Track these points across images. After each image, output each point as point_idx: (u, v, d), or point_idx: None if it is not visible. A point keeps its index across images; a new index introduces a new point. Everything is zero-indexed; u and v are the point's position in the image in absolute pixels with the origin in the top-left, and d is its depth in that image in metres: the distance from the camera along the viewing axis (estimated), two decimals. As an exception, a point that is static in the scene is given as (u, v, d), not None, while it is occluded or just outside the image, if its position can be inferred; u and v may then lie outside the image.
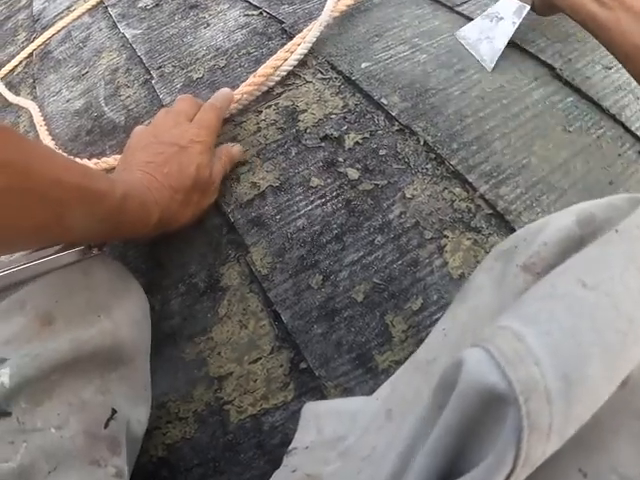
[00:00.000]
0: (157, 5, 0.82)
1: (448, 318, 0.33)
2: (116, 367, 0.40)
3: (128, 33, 0.80)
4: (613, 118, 0.56)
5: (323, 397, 0.43)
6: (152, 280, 0.52)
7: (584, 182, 0.51)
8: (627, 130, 0.56)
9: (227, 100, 0.54)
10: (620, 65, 0.60)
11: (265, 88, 0.58)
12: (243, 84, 0.57)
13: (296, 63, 0.58)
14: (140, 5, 0.84)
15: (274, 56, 0.58)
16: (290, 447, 0.38)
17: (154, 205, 0.43)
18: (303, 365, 0.44)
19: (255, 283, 0.48)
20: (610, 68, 0.61)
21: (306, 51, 0.58)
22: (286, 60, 0.57)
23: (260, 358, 0.45)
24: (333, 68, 0.59)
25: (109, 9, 0.89)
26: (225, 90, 0.55)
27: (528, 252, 0.26)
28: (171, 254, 0.52)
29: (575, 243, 0.25)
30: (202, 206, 0.50)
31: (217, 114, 0.52)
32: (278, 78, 0.58)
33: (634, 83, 0.59)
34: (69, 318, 0.38)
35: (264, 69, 0.57)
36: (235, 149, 0.53)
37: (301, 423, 0.40)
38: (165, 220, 0.45)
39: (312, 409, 0.41)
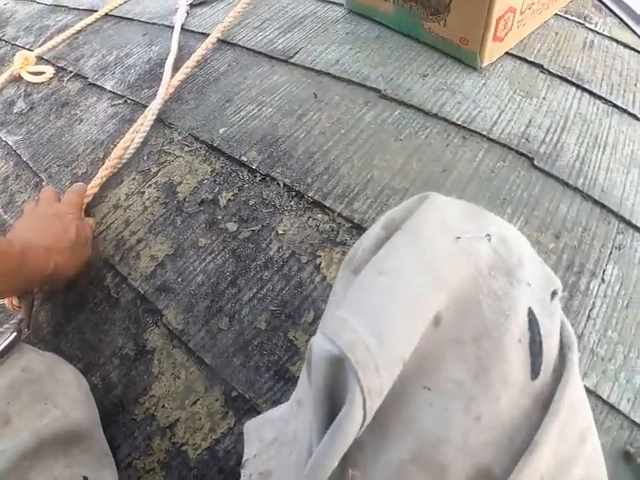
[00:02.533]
0: (31, 108, 0.83)
1: (321, 320, 0.39)
2: (76, 443, 0.43)
3: (10, 140, 0.80)
4: (436, 116, 0.64)
5: (258, 414, 0.48)
6: (89, 362, 0.55)
7: (422, 178, 0.58)
8: (450, 122, 0.63)
9: (82, 188, 0.64)
10: (435, 69, 0.69)
11: (120, 165, 0.65)
12: (100, 169, 0.63)
13: (142, 140, 0.64)
14: (16, 111, 0.84)
15: (122, 140, 0.64)
16: (242, 461, 0.42)
17: (48, 252, 0.52)
18: (234, 394, 0.49)
19: (176, 339, 0.52)
20: (426, 75, 0.70)
21: (148, 128, 0.65)
22: (133, 140, 0.63)
23: (198, 399, 0.50)
24: (196, 139, 0.64)
25: (-14, 119, 0.88)
26: (79, 184, 0.65)
27: (355, 259, 0.31)
28: (99, 336, 0.55)
29: (383, 243, 0.29)
30: (84, 257, 0.58)
31: (78, 195, 0.62)
32: (129, 155, 0.64)
33: (449, 80, 0.69)
34: (22, 414, 0.41)
35: (115, 151, 0.62)
36: (92, 221, 0.63)
37: (246, 439, 0.45)
38: (61, 266, 0.53)
39: (252, 425, 0.46)
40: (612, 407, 0.43)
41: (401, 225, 0.29)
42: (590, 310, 0.48)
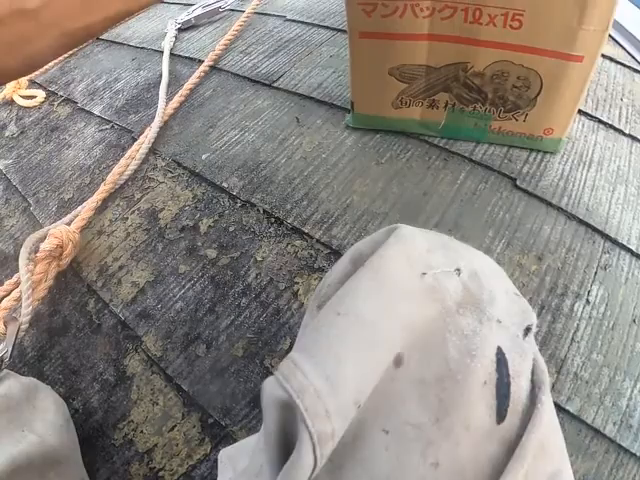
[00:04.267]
0: (22, 132, 0.86)
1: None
2: (52, 467, 0.45)
3: (1, 164, 0.83)
4: (417, 139, 0.65)
5: (235, 440, 0.50)
6: (71, 386, 0.57)
7: (402, 201, 0.60)
8: (431, 145, 0.65)
9: None
10: None
11: (113, 191, 0.67)
12: (96, 193, 0.65)
13: (137, 167, 0.66)
14: (7, 134, 0.88)
15: (117, 165, 0.66)
16: (215, 489, 0.45)
17: None
18: (211, 420, 0.51)
19: (155, 365, 0.54)
20: None
21: (144, 155, 0.67)
22: (128, 166, 0.65)
23: (175, 425, 0.52)
24: (179, 165, 0.67)
25: (-22, 142, 0.91)
26: None
27: (321, 293, 0.31)
28: (81, 360, 0.58)
29: (348, 278, 0.29)
30: None
31: None
32: (122, 182, 0.66)
33: None
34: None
35: (111, 176, 0.65)
36: None
37: (220, 467, 0.46)
38: None
39: (226, 453, 0.47)
40: (597, 431, 0.44)
41: (367, 259, 0.28)
42: (574, 333, 0.49)
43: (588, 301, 0.51)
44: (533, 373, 0.27)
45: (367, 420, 0.25)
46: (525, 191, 0.59)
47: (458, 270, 0.28)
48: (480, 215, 0.58)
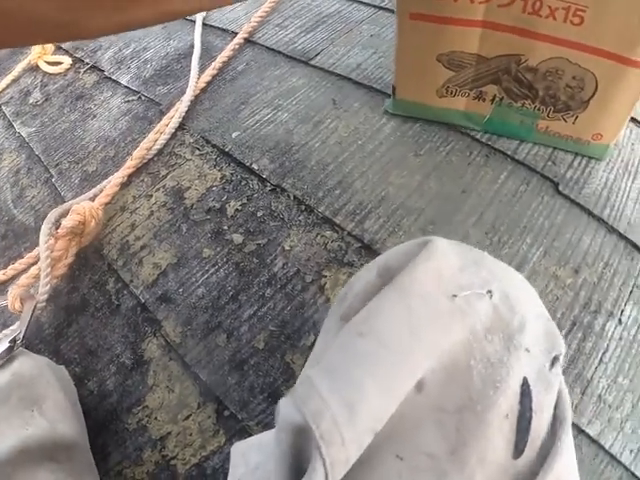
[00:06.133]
0: (47, 100, 0.86)
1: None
2: (62, 451, 0.46)
3: (24, 132, 0.83)
4: (459, 132, 0.63)
5: (249, 435, 0.49)
6: (87, 367, 0.57)
7: (439, 198, 0.58)
8: (473, 139, 0.62)
9: None
10: None
11: (140, 166, 0.65)
12: (122, 168, 0.64)
13: (165, 142, 0.64)
14: (31, 101, 0.88)
15: (145, 139, 0.65)
16: (226, 483, 0.45)
17: None
18: (227, 412, 0.51)
19: (173, 352, 0.54)
20: None
21: (174, 130, 0.65)
22: (157, 141, 0.64)
23: (191, 414, 0.52)
24: (208, 142, 0.66)
25: (3, 108, 0.92)
26: None
27: (345, 302, 0.31)
28: (98, 341, 0.58)
29: (376, 291, 0.28)
30: None
31: None
32: (150, 157, 0.65)
33: None
34: (9, 420, 0.43)
35: (138, 151, 0.63)
36: None
37: (232, 461, 0.46)
38: None
39: (239, 447, 0.47)
40: (613, 457, 0.43)
41: (397, 273, 0.28)
42: (603, 353, 0.47)
43: (620, 321, 0.49)
44: (556, 407, 0.26)
45: (382, 444, 0.24)
46: (567, 197, 0.57)
47: (490, 292, 0.27)
48: (519, 219, 0.56)
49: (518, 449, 0.24)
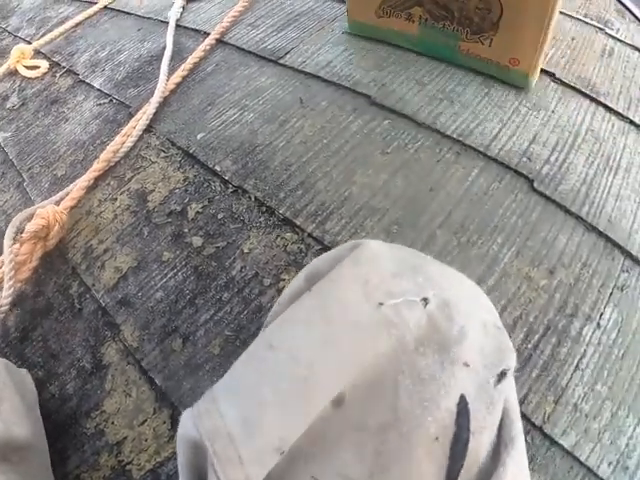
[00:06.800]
0: (23, 104, 0.87)
1: None
2: (16, 452, 0.46)
3: (0, 137, 0.84)
4: (429, 128, 0.62)
5: (205, 440, 0.50)
6: (49, 370, 0.58)
7: (405, 196, 0.57)
8: (444, 135, 0.61)
9: None
10: (434, 76, 0.67)
11: (107, 169, 0.66)
12: (88, 171, 0.64)
13: (132, 145, 0.65)
14: (8, 106, 0.89)
15: (111, 143, 0.65)
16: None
17: None
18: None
19: (130, 356, 0.54)
20: (424, 84, 0.69)
21: (140, 133, 0.65)
22: (124, 143, 0.64)
23: (146, 420, 0.52)
24: (173, 144, 0.66)
25: (-18, 113, 0.93)
26: None
27: (272, 312, 0.30)
28: (61, 344, 0.58)
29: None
30: None
31: None
32: (117, 160, 0.65)
33: (448, 87, 0.67)
34: None
35: (105, 154, 0.64)
36: None
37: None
38: None
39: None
40: (589, 470, 0.41)
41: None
42: (580, 359, 0.46)
43: (599, 325, 0.48)
44: (501, 428, 0.24)
45: (297, 463, 0.23)
46: (542, 195, 0.56)
47: (426, 300, 0.25)
48: (490, 218, 0.55)
49: (451, 476, 0.22)
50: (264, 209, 0.59)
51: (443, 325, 0.25)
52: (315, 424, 0.23)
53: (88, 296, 0.59)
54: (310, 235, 0.56)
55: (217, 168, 0.62)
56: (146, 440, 0.51)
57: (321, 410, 0.23)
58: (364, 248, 0.27)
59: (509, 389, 0.25)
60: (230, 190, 0.61)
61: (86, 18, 0.95)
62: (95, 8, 0.96)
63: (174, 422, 0.51)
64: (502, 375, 0.25)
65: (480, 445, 0.23)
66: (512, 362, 0.26)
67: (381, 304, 0.25)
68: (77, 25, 0.95)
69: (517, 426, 0.24)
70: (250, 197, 0.60)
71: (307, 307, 0.26)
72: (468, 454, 0.22)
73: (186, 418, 0.24)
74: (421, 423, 0.22)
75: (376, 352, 0.24)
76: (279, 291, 0.54)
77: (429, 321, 0.24)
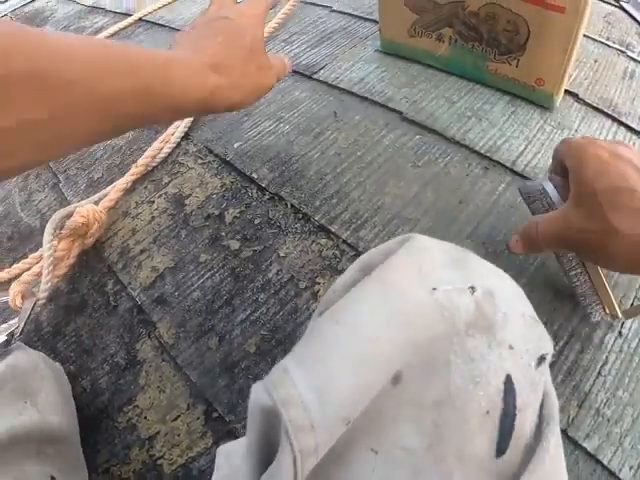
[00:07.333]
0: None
1: None
2: (50, 443, 0.47)
3: (35, 138, 0.87)
4: (458, 144, 0.65)
5: (236, 437, 0.51)
6: (81, 365, 0.59)
7: (435, 208, 0.60)
8: (472, 151, 0.65)
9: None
10: (463, 94, 0.70)
11: (145, 173, 0.68)
12: (126, 174, 0.67)
13: (170, 151, 0.68)
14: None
15: (150, 148, 0.68)
16: (209, 485, 0.46)
17: (206, 68, 0.42)
18: (215, 414, 0.52)
19: (165, 353, 0.56)
20: (454, 102, 0.72)
21: (178, 140, 0.68)
22: (162, 149, 0.67)
23: (180, 415, 0.53)
24: (210, 152, 0.69)
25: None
26: None
27: (325, 300, 0.31)
28: (94, 340, 0.60)
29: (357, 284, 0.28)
30: (261, 82, 0.48)
31: (260, 3, 0.51)
32: (155, 164, 0.68)
33: (476, 106, 0.70)
34: (1, 409, 0.45)
35: (143, 159, 0.67)
36: (287, 59, 0.55)
37: (217, 463, 0.47)
38: (225, 88, 0.43)
39: (224, 449, 0.47)
40: (612, 473, 0.43)
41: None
42: (602, 366, 0.48)
43: (621, 333, 0.49)
44: (542, 407, 0.26)
45: (356, 437, 0.24)
46: None
47: (472, 288, 0.27)
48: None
49: (500, 449, 0.24)
50: (300, 216, 0.61)
51: (489, 311, 0.26)
52: (374, 400, 0.24)
53: (124, 294, 0.61)
54: (345, 242, 0.59)
55: (254, 176, 0.65)
56: (179, 435, 0.52)
57: (381, 386, 0.24)
58: (415, 240, 0.30)
59: (547, 374, 0.28)
60: (267, 197, 0.63)
61: (121, 29, 0.99)
62: (130, 20, 1.00)
63: (208, 418, 0.52)
64: (542, 359, 0.27)
65: (525, 421, 0.25)
66: (550, 348, 0.28)
67: (434, 289, 0.26)
68: (111, 36, 0.98)
69: (555, 407, 0.26)
70: (286, 204, 0.62)
71: (368, 290, 0.27)
72: (515, 429, 0.24)
73: (258, 389, 0.25)
74: (473, 397, 0.24)
75: (430, 334, 0.25)
76: (314, 294, 0.56)
77: (476, 307, 0.26)
